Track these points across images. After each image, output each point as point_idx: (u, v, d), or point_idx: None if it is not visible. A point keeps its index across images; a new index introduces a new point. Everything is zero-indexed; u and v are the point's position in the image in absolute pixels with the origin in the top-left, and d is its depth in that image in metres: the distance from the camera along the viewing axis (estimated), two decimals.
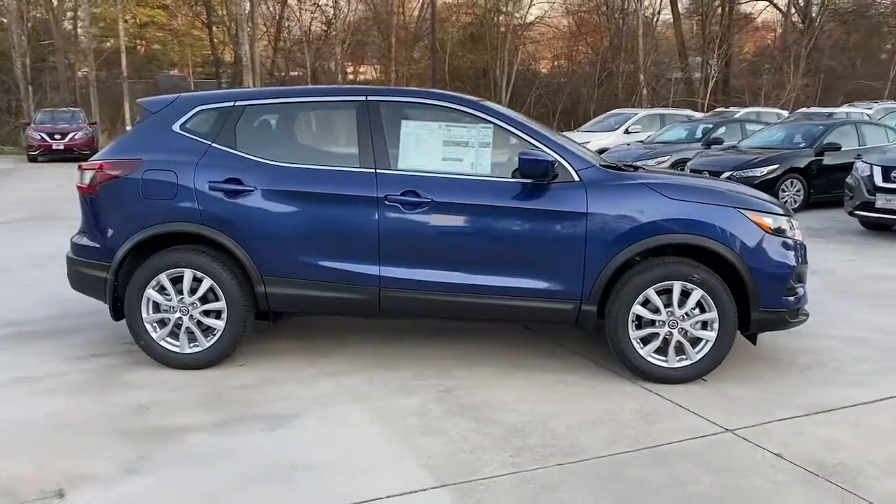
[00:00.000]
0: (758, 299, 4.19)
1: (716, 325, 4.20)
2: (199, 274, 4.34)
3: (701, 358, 4.23)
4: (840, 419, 3.81)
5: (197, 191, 4.33)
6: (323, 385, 4.24)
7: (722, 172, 11.48)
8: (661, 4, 39.08)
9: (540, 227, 4.21)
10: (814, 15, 39.43)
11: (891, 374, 4.44)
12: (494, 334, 5.10)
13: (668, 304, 4.20)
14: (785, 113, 22.13)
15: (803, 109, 21.99)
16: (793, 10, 40.65)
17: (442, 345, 4.89)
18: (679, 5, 39.37)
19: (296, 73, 35.41)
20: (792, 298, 4.30)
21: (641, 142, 15.38)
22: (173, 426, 3.70)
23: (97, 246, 4.48)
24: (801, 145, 12.17)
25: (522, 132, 4.35)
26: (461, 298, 4.31)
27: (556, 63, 41.93)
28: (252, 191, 4.29)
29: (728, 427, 3.70)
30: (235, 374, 4.41)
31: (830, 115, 19.40)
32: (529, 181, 4.20)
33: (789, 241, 4.31)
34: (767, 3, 41.51)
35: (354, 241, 4.28)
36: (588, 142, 16.16)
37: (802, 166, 11.67)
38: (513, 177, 4.26)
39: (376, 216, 4.23)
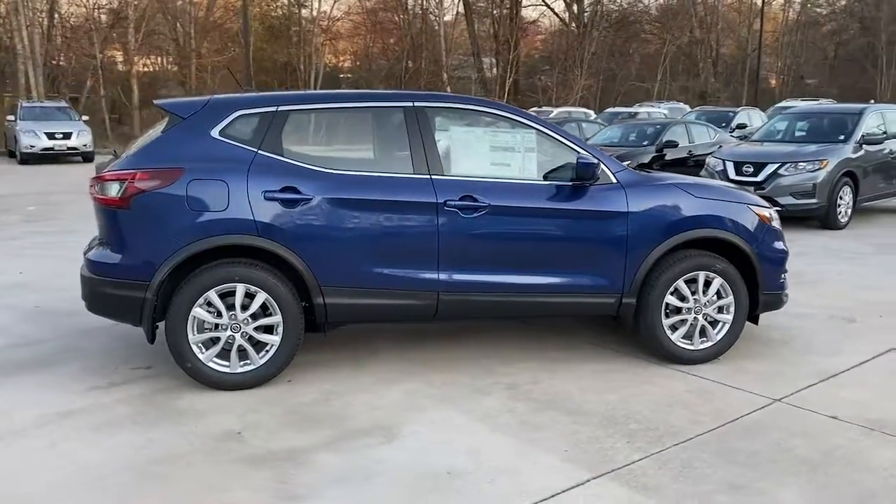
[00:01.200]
0: (764, 284, 4.79)
1: (732, 309, 4.75)
2: (253, 288, 4.13)
3: (720, 339, 4.77)
4: (849, 382, 4.49)
5: (251, 201, 4.11)
6: (392, 393, 4.23)
7: None
8: (458, 6, 40.70)
9: (586, 226, 4.51)
10: (586, 21, 43.07)
11: (849, 341, 5.24)
12: (506, 332, 5.31)
13: (693, 293, 4.67)
14: (592, 113, 24.14)
15: (609, 110, 24.10)
16: (569, 16, 44.20)
17: (469, 345, 5.02)
18: (469, 8, 41.27)
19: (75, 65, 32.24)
20: (784, 281, 4.96)
21: None
22: (286, 448, 3.54)
23: (131, 263, 4.09)
24: (645, 143, 13.50)
25: (563, 137, 4.61)
26: (513, 298, 4.49)
27: (356, 61, 42.26)
28: (310, 199, 4.16)
29: (773, 397, 4.23)
30: (293, 390, 4.25)
31: (634, 114, 21.51)
32: (573, 184, 4.47)
33: (780, 231, 4.96)
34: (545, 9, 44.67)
35: (415, 248, 4.30)
36: None
37: (647, 162, 12.95)
38: (548, 179, 4.50)
39: (436, 222, 4.29)
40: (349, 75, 39.98)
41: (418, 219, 4.29)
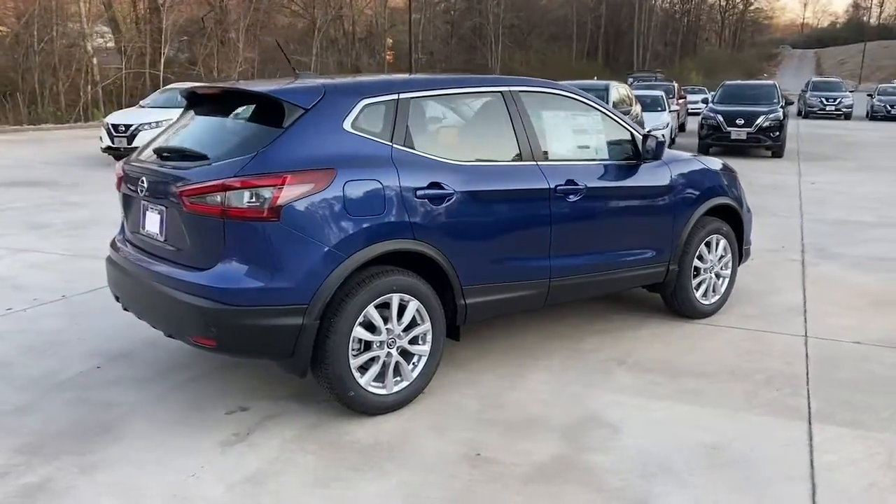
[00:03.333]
0: (746, 238, 5.61)
1: (730, 265, 5.49)
2: (406, 297, 3.72)
3: (724, 292, 5.48)
4: (834, 312, 5.50)
5: (405, 201, 3.67)
6: (544, 386, 4.15)
7: None
8: None
9: (649, 202, 4.83)
10: None
11: (794, 279, 6.34)
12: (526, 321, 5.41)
13: (709, 254, 5.30)
14: None
15: None
16: None
17: (513, 332, 5.05)
18: None
19: None
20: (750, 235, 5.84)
21: None
22: (543, 457, 3.35)
23: (283, 286, 3.38)
24: None
25: (618, 118, 4.84)
26: (595, 278, 4.65)
27: None
28: (452, 195, 3.84)
29: (804, 334, 5.05)
30: (439, 400, 3.93)
31: None
32: (635, 162, 4.76)
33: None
34: None
35: (534, 236, 4.23)
36: (168, 119, 15.11)
37: None
38: (616, 159, 4.74)
39: (549, 208, 4.27)
40: None
41: (537, 206, 4.22)
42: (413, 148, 3.80)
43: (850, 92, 32.97)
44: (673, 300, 5.26)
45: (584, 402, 3.94)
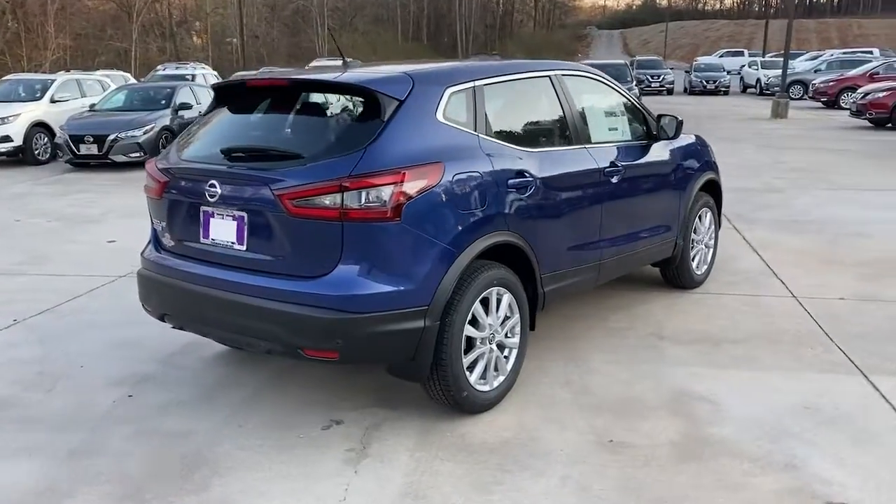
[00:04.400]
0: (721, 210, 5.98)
1: (713, 236, 5.82)
2: (501, 290, 3.64)
3: (711, 261, 5.81)
4: (798, 274, 5.98)
5: (499, 192, 3.57)
6: (606, 367, 4.21)
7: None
8: None
9: (664, 179, 5.02)
10: None
11: (740, 245, 6.80)
12: None
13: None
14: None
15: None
16: None
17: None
18: None
19: None
20: None
21: (92, 110, 13.93)
22: (698, 437, 3.42)
23: (406, 288, 3.18)
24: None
25: (633, 99, 4.96)
26: (631, 254, 4.76)
27: None
28: (533, 183, 3.79)
29: (791, 295, 5.45)
30: (530, 391, 3.90)
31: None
32: (651, 142, 4.92)
33: None
34: None
35: (592, 218, 4.28)
36: (16, 114, 13.65)
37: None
38: (638, 139, 4.87)
39: (601, 190, 4.33)
40: None
41: (593, 189, 4.26)
42: (493, 137, 3.70)
43: (671, 69, 35.68)
44: (675, 273, 5.49)
45: (661, 378, 4.05)
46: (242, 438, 3.47)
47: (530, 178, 3.76)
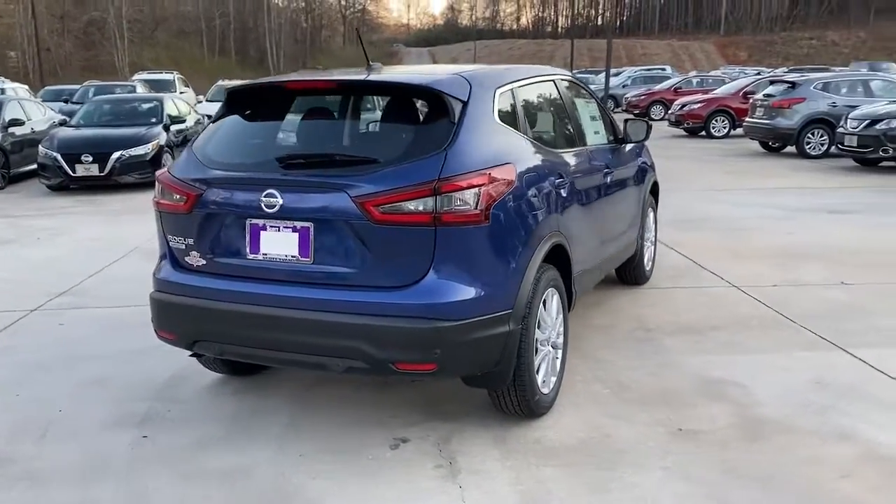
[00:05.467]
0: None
1: (654, 231, 6.17)
2: (552, 291, 3.65)
3: (654, 259, 6.16)
4: (726, 266, 6.47)
5: (552, 193, 3.59)
6: (624, 362, 4.33)
7: (110, 153, 11.39)
8: None
9: (634, 179, 5.26)
10: None
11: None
12: None
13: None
14: None
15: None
16: None
17: None
18: None
19: None
20: None
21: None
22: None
23: (494, 293, 3.09)
24: (152, 119, 12.58)
25: (601, 104, 5.16)
26: (613, 252, 4.92)
27: None
28: (568, 183, 3.84)
29: (732, 285, 5.90)
30: (572, 391, 3.92)
31: None
32: (621, 145, 5.13)
33: None
34: None
35: (599, 217, 4.40)
36: None
37: (167, 140, 12.19)
38: (612, 142, 5.06)
39: (602, 191, 4.47)
40: None
41: (597, 190, 4.38)
42: (528, 136, 3.71)
43: None
44: (633, 271, 5.75)
45: (679, 368, 4.23)
46: (309, 467, 3.20)
47: (566, 179, 3.81)
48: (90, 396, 3.99)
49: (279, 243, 3.17)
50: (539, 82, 4.15)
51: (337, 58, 76.52)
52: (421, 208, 2.96)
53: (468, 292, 3.03)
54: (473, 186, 3.02)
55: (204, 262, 3.35)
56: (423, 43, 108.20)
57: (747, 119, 16.42)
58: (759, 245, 7.27)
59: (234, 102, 3.60)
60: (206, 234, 3.33)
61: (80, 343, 4.80)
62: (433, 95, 3.25)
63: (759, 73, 26.30)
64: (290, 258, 3.16)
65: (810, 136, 14.94)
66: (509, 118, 3.56)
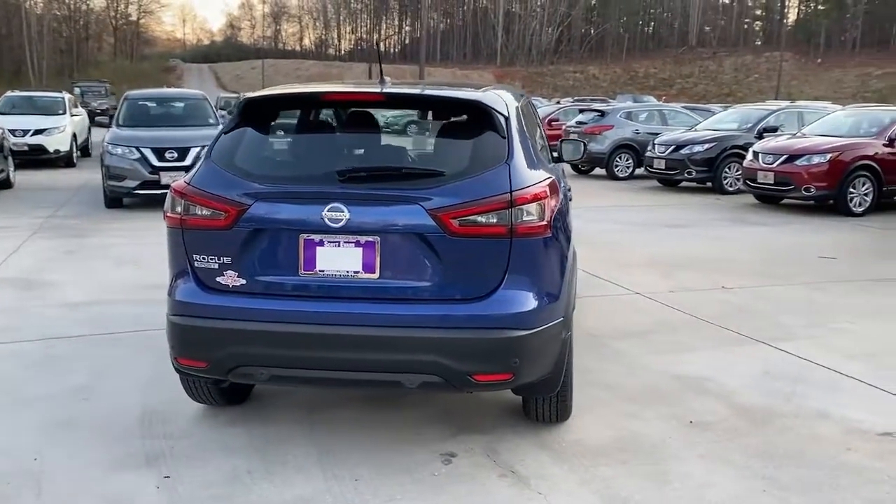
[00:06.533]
0: None
1: None
2: None
3: None
4: (620, 275, 6.99)
5: (567, 204, 3.80)
6: (612, 367, 4.57)
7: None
8: None
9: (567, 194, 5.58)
10: None
11: None
12: None
13: None
14: None
15: None
16: None
17: None
18: None
19: None
20: None
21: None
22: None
23: (555, 300, 3.20)
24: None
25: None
26: None
27: None
28: (569, 196, 4.05)
29: (637, 292, 6.43)
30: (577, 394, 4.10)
31: None
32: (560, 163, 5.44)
33: None
34: None
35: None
36: None
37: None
38: None
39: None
40: None
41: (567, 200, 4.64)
42: (541, 152, 3.87)
43: None
44: None
45: (652, 368, 4.56)
46: (375, 491, 3.09)
47: (568, 192, 4.00)
48: (64, 440, 3.51)
49: (340, 259, 3.05)
50: (525, 102, 4.32)
51: (108, 70, 71.29)
52: (496, 220, 3.01)
53: (538, 301, 3.11)
54: (539, 199, 3.11)
55: (244, 281, 3.12)
56: (202, 59, 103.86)
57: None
58: (632, 256, 7.95)
59: (254, 112, 3.39)
60: (248, 251, 3.11)
61: (21, 385, 4.19)
62: (482, 110, 3.30)
63: (558, 103, 28.31)
64: (351, 274, 3.05)
65: (618, 159, 16.46)
66: (529, 133, 3.69)
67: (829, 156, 11.25)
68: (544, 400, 3.50)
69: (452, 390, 3.23)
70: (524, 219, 3.05)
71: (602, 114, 17.21)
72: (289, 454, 3.39)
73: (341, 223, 3.00)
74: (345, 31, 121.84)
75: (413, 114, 3.67)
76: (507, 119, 3.34)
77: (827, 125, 12.72)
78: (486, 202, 3.00)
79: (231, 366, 3.12)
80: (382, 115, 3.57)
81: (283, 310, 3.06)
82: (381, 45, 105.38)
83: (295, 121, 3.47)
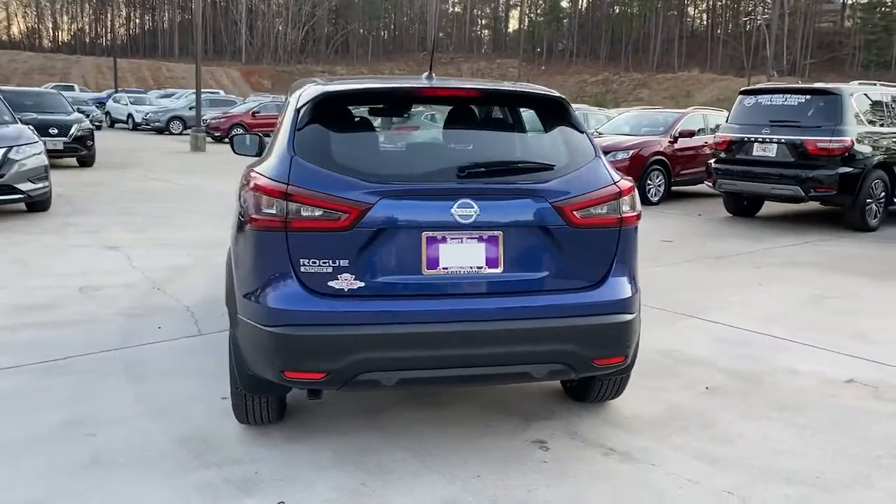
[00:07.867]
0: None
1: None
2: None
3: None
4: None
5: None
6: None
7: None
8: None
9: None
10: None
11: None
12: None
13: None
14: None
15: None
16: None
17: None
18: None
19: None
20: None
21: None
22: None
23: (638, 287, 3.39)
24: None
25: None
26: None
27: None
28: None
29: None
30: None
31: None
32: None
33: None
34: None
35: None
36: None
37: None
38: None
39: None
40: None
41: None
42: None
43: None
44: None
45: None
46: (507, 484, 3.08)
47: None
48: (109, 482, 3.05)
49: (464, 255, 3.01)
50: None
51: None
52: (606, 211, 3.16)
53: (633, 286, 3.31)
54: (633, 191, 3.32)
55: (361, 284, 2.95)
56: None
57: None
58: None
59: (332, 108, 3.18)
60: (367, 252, 2.94)
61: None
62: (563, 107, 3.41)
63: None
64: (475, 269, 3.02)
65: None
66: None
67: (630, 152, 12.60)
68: (612, 379, 3.69)
69: (569, 377, 3.30)
70: (625, 209, 3.23)
71: None
72: (386, 462, 3.25)
73: (471, 219, 2.97)
74: (62, 20, 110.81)
75: (497, 110, 3.66)
76: (576, 115, 3.49)
77: (620, 125, 14.21)
78: (600, 194, 3.14)
79: (355, 373, 2.94)
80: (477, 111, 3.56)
81: (413, 310, 2.95)
82: (109, 36, 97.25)
83: (379, 117, 3.32)
